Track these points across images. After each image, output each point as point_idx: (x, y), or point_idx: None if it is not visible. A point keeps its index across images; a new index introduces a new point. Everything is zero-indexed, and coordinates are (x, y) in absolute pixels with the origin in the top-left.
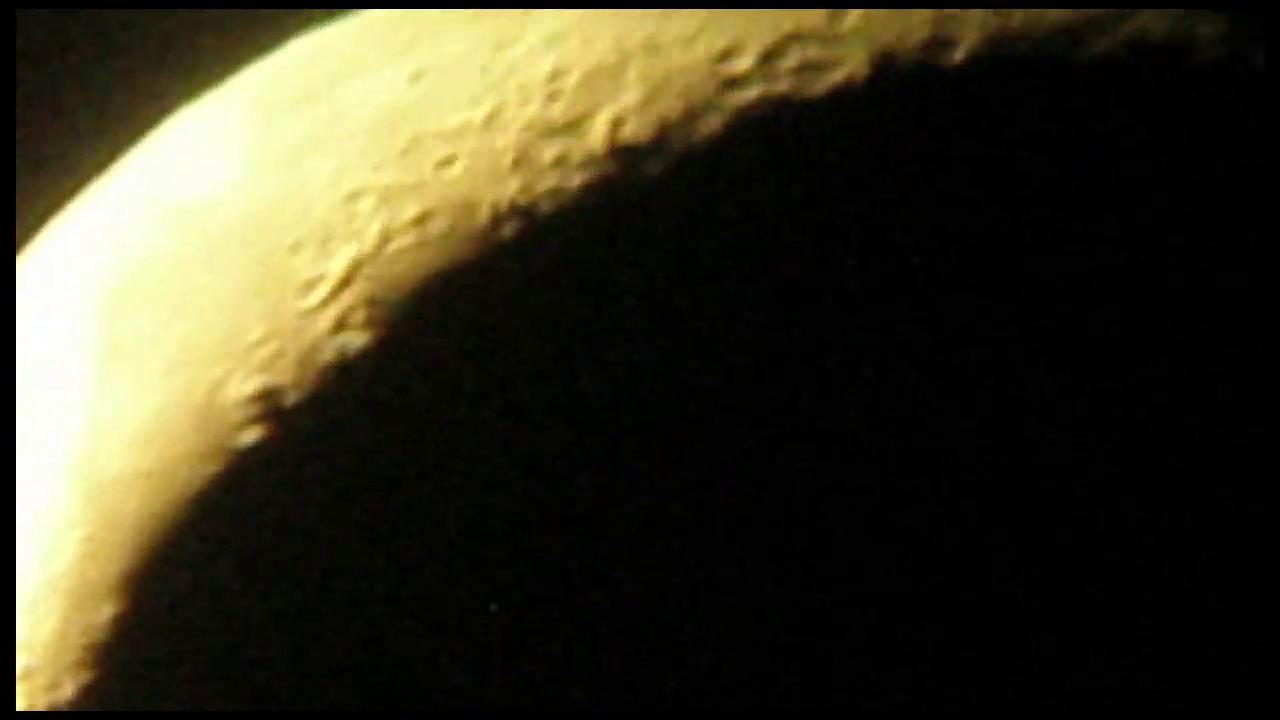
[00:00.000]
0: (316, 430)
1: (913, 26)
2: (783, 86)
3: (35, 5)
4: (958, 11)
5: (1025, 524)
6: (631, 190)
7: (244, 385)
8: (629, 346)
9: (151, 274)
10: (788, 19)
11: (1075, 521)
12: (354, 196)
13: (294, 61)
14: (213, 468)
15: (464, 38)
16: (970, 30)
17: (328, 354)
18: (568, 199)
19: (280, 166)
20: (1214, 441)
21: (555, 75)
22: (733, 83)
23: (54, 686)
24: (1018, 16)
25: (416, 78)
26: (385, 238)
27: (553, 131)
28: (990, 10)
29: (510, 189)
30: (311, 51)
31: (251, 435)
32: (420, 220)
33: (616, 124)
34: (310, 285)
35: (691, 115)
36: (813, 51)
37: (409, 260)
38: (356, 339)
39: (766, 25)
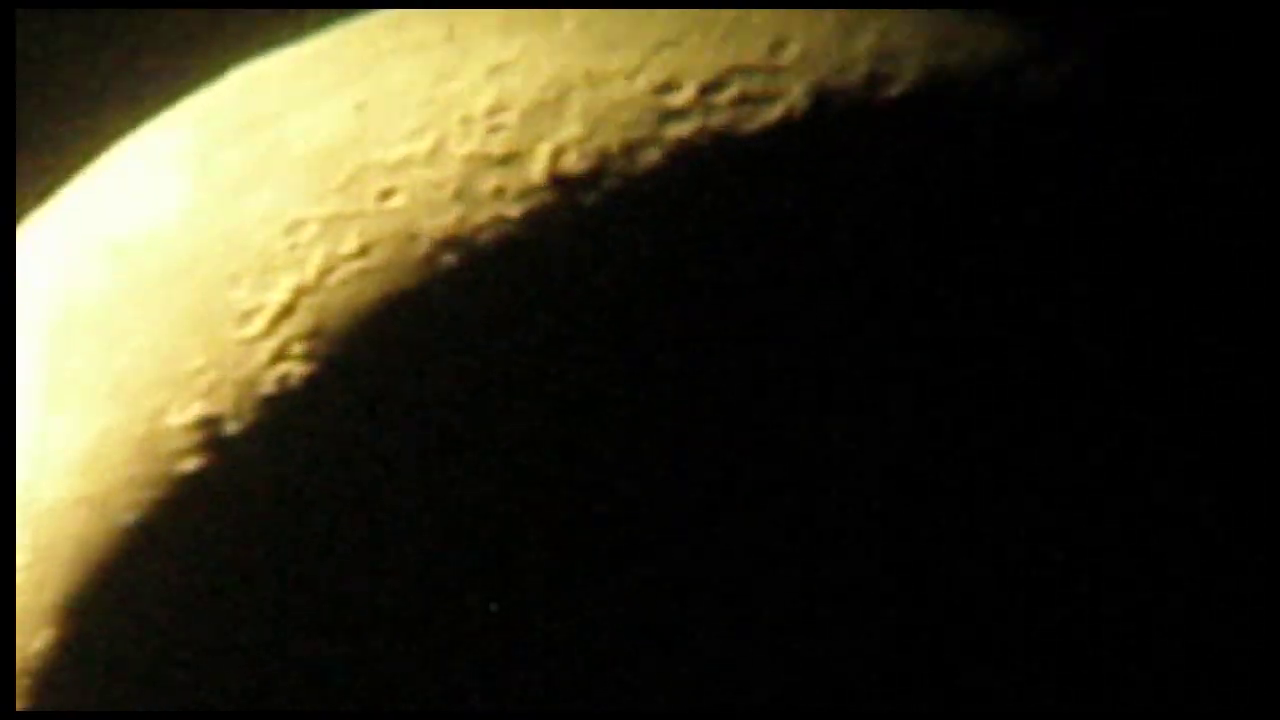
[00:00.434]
0: (256, 459)
1: (852, 61)
2: (722, 119)
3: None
4: (897, 46)
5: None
6: (570, 221)
7: (184, 413)
8: (566, 374)
9: (92, 304)
10: (728, 52)
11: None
12: (295, 227)
13: (236, 90)
14: (152, 495)
15: (407, 69)
16: (908, 67)
17: (268, 383)
18: (507, 229)
19: (221, 197)
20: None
21: (497, 109)
22: (672, 115)
23: None
24: (955, 54)
25: (359, 109)
26: (326, 268)
27: (494, 163)
28: (928, 48)
29: (450, 219)
30: (253, 81)
31: (191, 463)
32: (362, 251)
33: (557, 155)
34: (250, 315)
35: (631, 147)
36: (753, 84)
37: (350, 291)
38: (297, 368)
39: (708, 58)
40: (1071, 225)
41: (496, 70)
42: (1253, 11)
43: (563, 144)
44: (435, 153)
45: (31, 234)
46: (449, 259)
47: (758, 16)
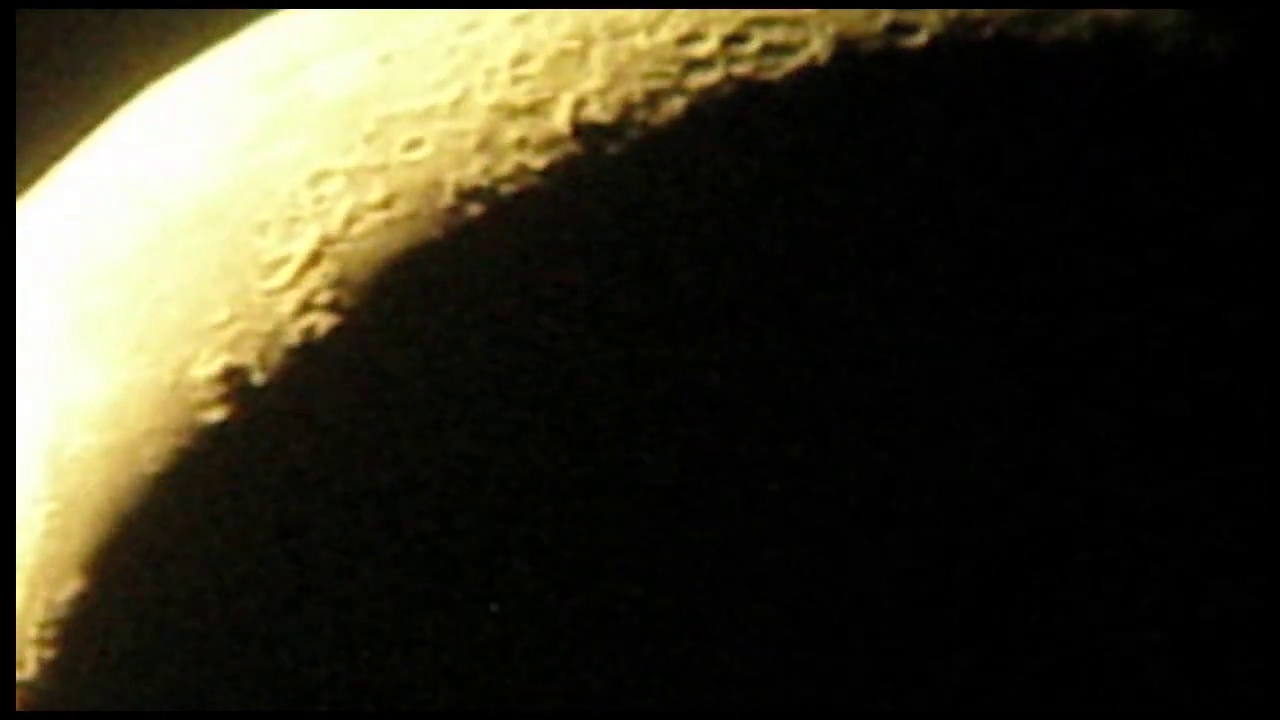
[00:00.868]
0: (282, 409)
1: (874, 12)
2: (745, 69)
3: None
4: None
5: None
6: (594, 170)
7: (209, 364)
8: (591, 325)
9: (118, 254)
10: (750, 6)
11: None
12: (321, 177)
13: (262, 42)
14: (178, 445)
15: (432, 20)
16: (931, 16)
17: (293, 334)
18: (531, 179)
19: (247, 147)
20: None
21: (521, 59)
22: (695, 65)
23: (16, 663)
24: (976, 7)
25: (384, 60)
26: (352, 218)
27: (518, 113)
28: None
29: (474, 170)
30: (280, 32)
31: (217, 414)
32: (386, 202)
33: (580, 106)
34: (276, 265)
35: (654, 97)
36: (776, 35)
37: (375, 241)
38: (322, 320)
39: (729, 12)
40: (1081, 178)
41: (520, 21)
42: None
43: (585, 93)
44: (460, 103)
45: (56, 183)
46: (473, 209)
47: None
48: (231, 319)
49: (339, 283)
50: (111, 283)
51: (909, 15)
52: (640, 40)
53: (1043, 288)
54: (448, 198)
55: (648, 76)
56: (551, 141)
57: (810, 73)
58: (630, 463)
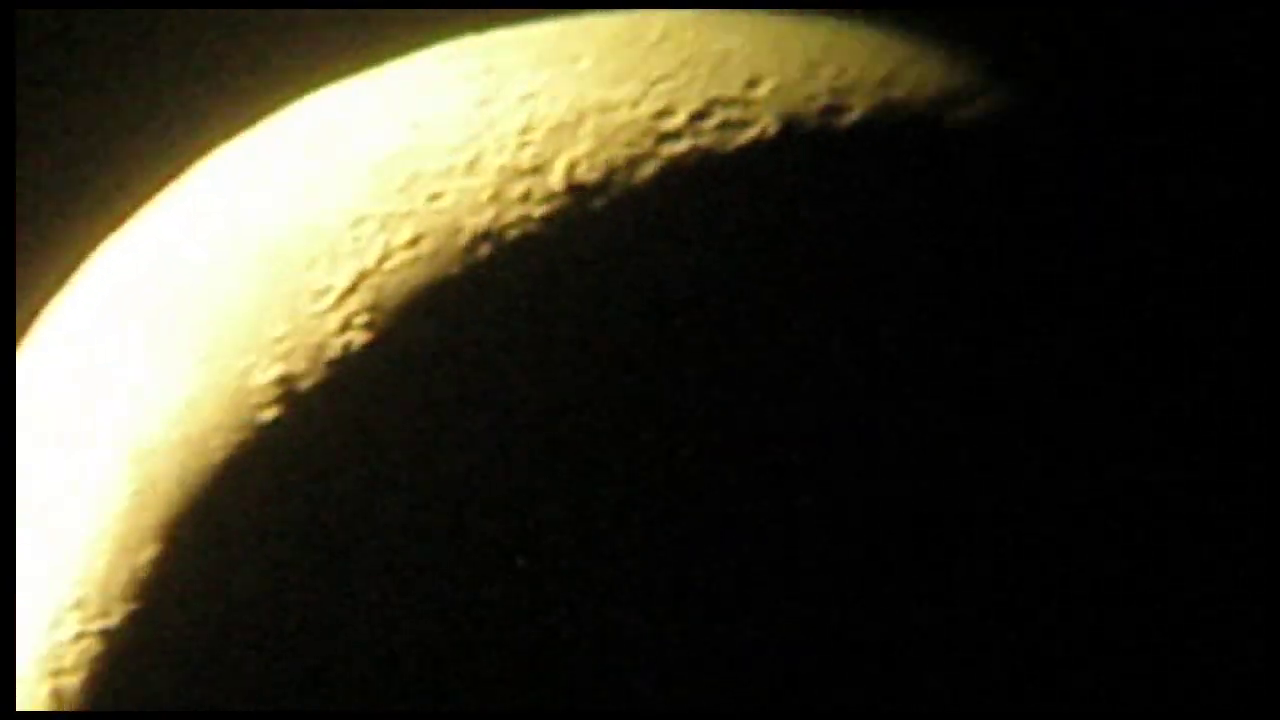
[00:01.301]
0: (324, 410)
1: (814, 94)
2: (707, 141)
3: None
4: (852, 81)
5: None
6: (583, 220)
7: (266, 372)
8: (580, 344)
9: (196, 282)
10: (713, 86)
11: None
12: (359, 221)
13: (318, 110)
14: (239, 438)
15: (454, 95)
16: (860, 98)
17: (335, 348)
18: (532, 227)
19: (302, 196)
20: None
21: (526, 128)
22: (666, 136)
23: (104, 614)
24: (901, 88)
25: (415, 126)
26: (384, 256)
27: (522, 173)
28: (878, 84)
29: (486, 218)
30: (331, 102)
31: (271, 413)
32: (413, 242)
33: (572, 167)
34: (322, 293)
35: (632, 162)
36: (733, 112)
37: (403, 274)
38: (359, 337)
39: (696, 91)
40: (1001, 243)
41: (526, 98)
42: (1188, 45)
43: (577, 158)
44: (474, 163)
45: (141, 224)
46: (485, 249)
47: (737, 57)
48: (285, 335)
49: (373, 307)
50: (189, 304)
51: (842, 96)
52: (623, 114)
53: (966, 333)
54: (464, 239)
55: (628, 144)
56: (549, 196)
57: (760, 145)
58: (626, 462)
